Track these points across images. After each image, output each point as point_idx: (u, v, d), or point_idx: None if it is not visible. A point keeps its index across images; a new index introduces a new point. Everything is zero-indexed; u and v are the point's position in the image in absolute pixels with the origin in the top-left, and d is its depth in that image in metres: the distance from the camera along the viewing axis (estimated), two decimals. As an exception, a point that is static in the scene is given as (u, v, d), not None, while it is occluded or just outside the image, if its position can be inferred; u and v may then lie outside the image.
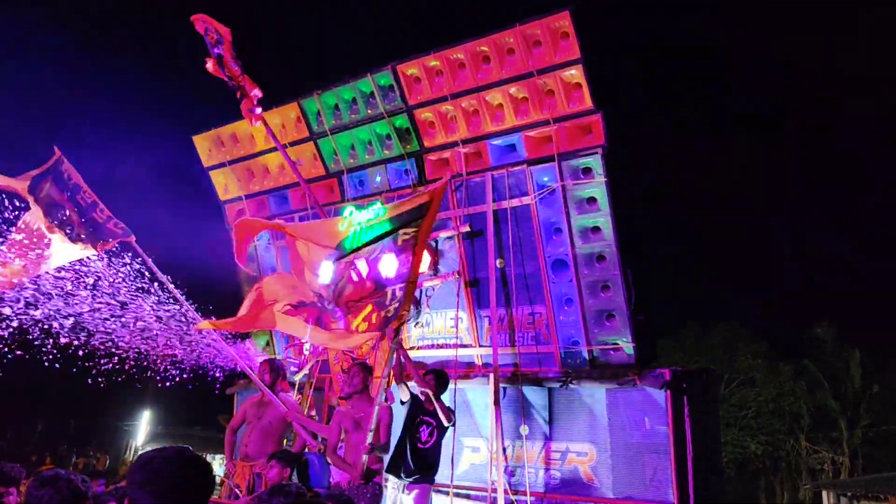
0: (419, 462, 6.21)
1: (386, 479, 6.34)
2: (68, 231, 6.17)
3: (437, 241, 8.56)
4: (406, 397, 6.42)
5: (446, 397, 7.12)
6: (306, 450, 6.54)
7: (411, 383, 6.41)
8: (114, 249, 6.55)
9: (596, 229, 7.50)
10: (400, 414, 6.46)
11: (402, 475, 6.20)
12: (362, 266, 5.70)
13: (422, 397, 6.39)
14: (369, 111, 8.76)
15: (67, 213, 6.28)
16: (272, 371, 6.68)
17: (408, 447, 6.23)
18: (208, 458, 27.55)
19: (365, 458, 5.35)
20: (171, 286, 6.59)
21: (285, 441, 6.96)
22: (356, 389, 5.99)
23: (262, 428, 6.21)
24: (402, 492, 6.19)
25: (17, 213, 6.38)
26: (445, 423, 6.29)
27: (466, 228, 8.24)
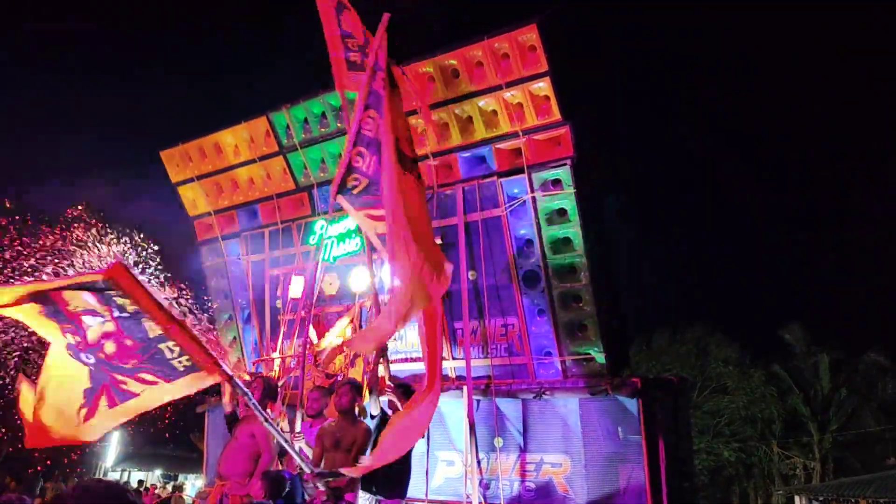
0: (391, 477, 6.14)
1: None
2: None
3: (408, 254, 8.54)
4: (376, 411, 6.35)
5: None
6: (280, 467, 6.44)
7: (383, 397, 6.35)
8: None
9: (567, 240, 7.54)
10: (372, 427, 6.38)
11: (373, 490, 6.13)
12: None
13: (390, 411, 6.32)
14: (339, 125, 8.75)
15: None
16: (263, 389, 6.54)
17: None
18: (181, 478, 27.06)
19: (320, 485, 5.30)
20: None
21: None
22: (343, 409, 5.86)
23: (232, 447, 6.10)
24: None
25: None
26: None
27: (438, 241, 8.22)
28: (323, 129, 8.91)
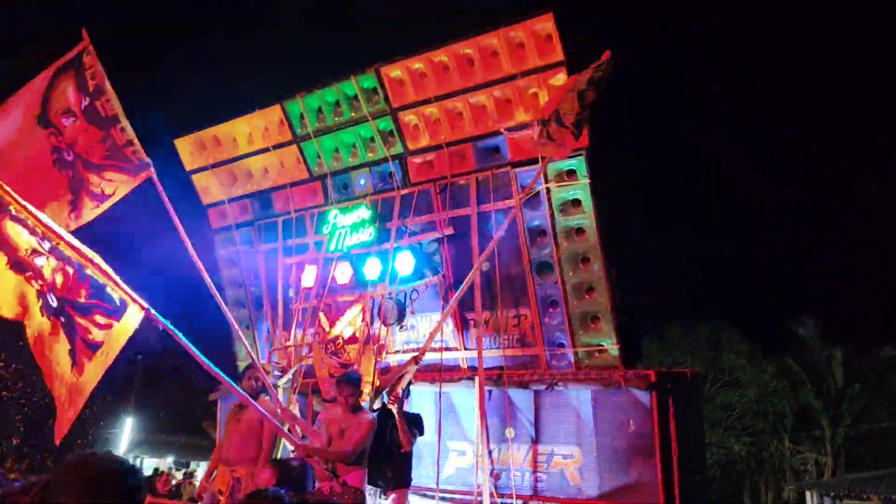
0: (396, 468, 6.15)
1: None
2: (66, 156, 4.95)
3: (421, 245, 8.54)
4: (377, 406, 6.36)
5: (430, 399, 7.07)
6: (292, 454, 6.49)
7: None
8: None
9: (580, 231, 7.50)
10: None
11: (379, 484, 6.14)
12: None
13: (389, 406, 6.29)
14: (353, 114, 8.73)
15: (70, 123, 4.99)
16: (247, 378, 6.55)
17: (383, 452, 6.16)
18: (193, 465, 27.29)
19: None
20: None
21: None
22: (349, 406, 5.86)
23: (241, 432, 6.13)
24: (381, 497, 6.15)
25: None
26: (405, 448, 6.15)
27: (451, 231, 8.22)
28: (337, 118, 8.89)
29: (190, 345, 4.42)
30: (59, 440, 4.09)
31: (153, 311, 4.15)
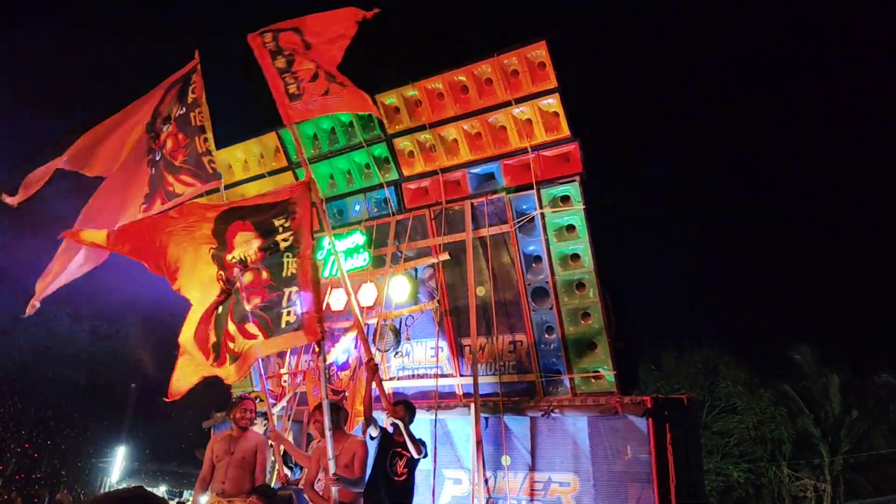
0: (395, 496, 6.07)
1: None
2: (156, 157, 5.67)
3: (416, 270, 8.52)
4: (375, 433, 6.29)
5: (426, 427, 7.00)
6: (276, 483, 6.42)
7: (380, 416, 6.28)
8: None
9: (575, 257, 7.50)
10: (371, 450, 6.29)
11: None
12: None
13: (391, 430, 6.22)
14: (348, 140, 8.76)
15: (165, 129, 5.75)
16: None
17: (382, 482, 6.07)
18: (186, 494, 26.93)
19: (335, 490, 5.21)
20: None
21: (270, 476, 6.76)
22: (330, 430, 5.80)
23: (236, 463, 6.04)
24: None
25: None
26: (416, 455, 6.12)
27: (446, 256, 8.21)
28: (332, 145, 8.93)
29: (324, 378, 5.03)
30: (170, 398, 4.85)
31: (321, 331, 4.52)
